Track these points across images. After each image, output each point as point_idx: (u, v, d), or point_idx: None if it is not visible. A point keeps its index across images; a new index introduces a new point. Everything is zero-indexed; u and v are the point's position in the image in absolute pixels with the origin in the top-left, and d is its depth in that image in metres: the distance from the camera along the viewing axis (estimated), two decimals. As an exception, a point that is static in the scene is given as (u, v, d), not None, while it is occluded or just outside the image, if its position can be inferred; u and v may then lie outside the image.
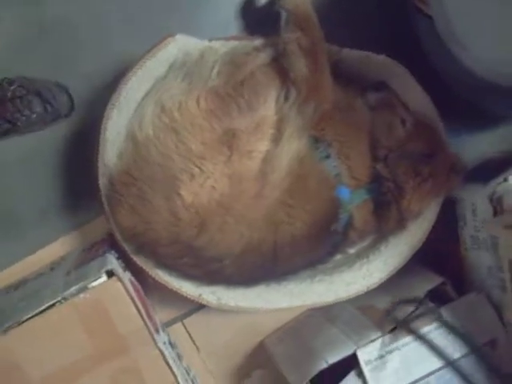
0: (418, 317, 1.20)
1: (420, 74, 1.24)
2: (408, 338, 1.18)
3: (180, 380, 1.15)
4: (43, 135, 1.32)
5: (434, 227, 1.27)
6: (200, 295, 1.19)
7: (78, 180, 1.32)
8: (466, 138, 1.41)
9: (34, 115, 1.25)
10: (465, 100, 1.26)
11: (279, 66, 1.13)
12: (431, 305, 1.22)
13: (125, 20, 1.34)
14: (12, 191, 1.35)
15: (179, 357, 1.28)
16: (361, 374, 1.17)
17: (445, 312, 1.21)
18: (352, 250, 1.28)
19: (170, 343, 1.27)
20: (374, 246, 1.28)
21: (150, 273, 1.17)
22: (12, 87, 1.24)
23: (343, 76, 1.22)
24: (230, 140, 1.08)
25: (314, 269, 1.23)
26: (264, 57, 1.14)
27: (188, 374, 1.27)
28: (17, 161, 1.34)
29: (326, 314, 1.33)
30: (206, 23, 1.36)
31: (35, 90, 1.25)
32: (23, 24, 1.30)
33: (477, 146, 1.42)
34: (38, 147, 1.33)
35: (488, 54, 1.08)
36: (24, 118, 1.24)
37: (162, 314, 1.35)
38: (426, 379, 1.17)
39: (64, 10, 1.31)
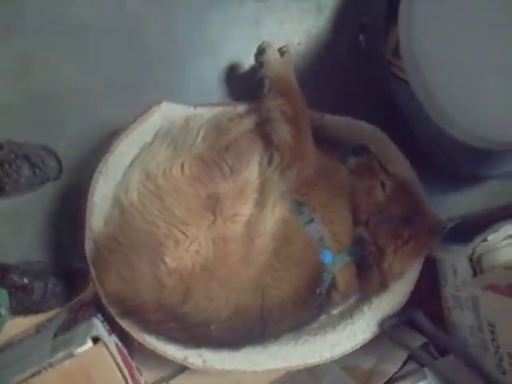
0: (402, 377, 1.21)
1: (398, 138, 1.29)
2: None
3: None
4: (31, 197, 1.34)
5: (416, 286, 1.29)
6: (186, 358, 1.19)
7: (66, 242, 1.33)
8: (445, 198, 1.45)
9: (23, 179, 1.26)
10: (442, 161, 1.30)
11: (262, 131, 1.17)
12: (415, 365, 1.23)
13: (111, 88, 1.37)
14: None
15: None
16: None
17: (428, 372, 1.21)
18: (335, 311, 1.29)
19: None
20: (357, 307, 1.29)
21: (135, 336, 1.17)
22: (1, 152, 1.26)
23: (325, 141, 1.26)
24: (214, 204, 1.10)
25: (298, 331, 1.23)
26: (248, 123, 1.18)
27: None
28: (4, 221, 1.35)
29: (311, 373, 1.32)
30: (190, 90, 1.40)
31: (24, 155, 1.27)
32: (11, 93, 1.34)
33: (456, 207, 1.46)
34: (26, 209, 1.34)
35: (465, 118, 1.11)
36: (12, 182, 1.26)
37: (147, 376, 1.34)
38: None
39: (50, 79, 1.35)
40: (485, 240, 1.23)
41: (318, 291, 1.15)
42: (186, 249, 1.08)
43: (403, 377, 1.21)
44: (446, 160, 1.31)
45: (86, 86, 1.36)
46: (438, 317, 1.36)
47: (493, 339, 1.15)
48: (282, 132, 1.14)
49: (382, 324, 1.26)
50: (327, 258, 1.16)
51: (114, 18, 1.36)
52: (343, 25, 1.45)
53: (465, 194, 1.48)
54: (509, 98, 1.10)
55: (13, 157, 1.25)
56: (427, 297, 1.36)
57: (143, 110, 1.17)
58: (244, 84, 1.39)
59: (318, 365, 1.26)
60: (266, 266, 1.11)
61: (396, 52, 1.25)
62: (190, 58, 1.40)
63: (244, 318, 1.11)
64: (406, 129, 1.30)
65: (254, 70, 1.32)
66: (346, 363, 1.29)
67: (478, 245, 1.22)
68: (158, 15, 1.38)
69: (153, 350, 1.18)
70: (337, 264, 1.17)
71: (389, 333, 1.27)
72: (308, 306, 1.16)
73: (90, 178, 1.17)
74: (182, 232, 1.08)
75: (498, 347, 1.14)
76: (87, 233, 1.15)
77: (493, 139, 1.11)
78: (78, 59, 1.36)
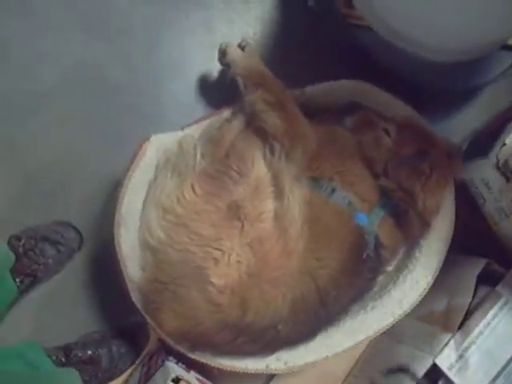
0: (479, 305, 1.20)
1: (380, 83, 1.28)
2: (479, 328, 1.17)
3: None
4: (65, 274, 1.35)
5: (456, 214, 1.27)
6: (267, 366, 1.18)
7: (114, 303, 1.33)
8: (449, 122, 1.44)
9: (50, 260, 1.27)
10: (429, 89, 1.30)
11: (254, 126, 1.17)
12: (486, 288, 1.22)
13: (98, 141, 1.39)
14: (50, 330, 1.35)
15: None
16: (448, 381, 1.15)
17: (501, 289, 1.20)
18: (390, 268, 1.28)
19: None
20: (409, 255, 1.27)
21: (212, 364, 1.16)
22: (21, 242, 1.27)
23: (316, 112, 1.25)
24: (236, 212, 1.10)
25: (362, 299, 1.22)
26: (237, 124, 1.19)
27: None
28: (48, 306, 1.35)
29: (391, 336, 1.31)
30: (172, 115, 1.40)
31: (42, 237, 1.28)
32: (7, 179, 1.36)
33: (464, 126, 1.44)
34: (64, 287, 1.35)
35: (424, 35, 1.14)
36: (42, 266, 1.27)
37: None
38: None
39: (39, 153, 1.37)
40: (504, 144, 1.22)
41: (364, 255, 1.14)
42: (227, 263, 1.08)
43: (480, 304, 1.20)
44: (430, 83, 1.31)
45: (74, 149, 1.38)
46: (489, 237, 1.34)
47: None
48: (272, 120, 1.14)
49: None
50: (362, 219, 1.15)
51: (75, 73, 1.39)
52: (289, -1, 1.45)
53: (466, 112, 1.47)
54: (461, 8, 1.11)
55: (33, 242, 1.26)
56: (471, 222, 1.35)
57: (135, 151, 1.18)
58: (220, 90, 1.39)
59: (394, 325, 1.24)
60: (307, 251, 1.10)
61: (349, 4, 1.25)
62: (160, 84, 1.42)
63: (305, 307, 1.10)
64: (382, 72, 1.29)
65: (223, 74, 1.33)
66: (420, 313, 1.27)
67: (500, 151, 1.21)
68: (116, 55, 1.41)
69: (234, 371, 1.18)
70: (374, 222, 1.16)
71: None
72: (360, 272, 1.15)
73: (111, 234, 1.17)
74: (217, 249, 1.08)
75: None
76: (129, 285, 1.15)
77: (458, 50, 1.14)
78: (57, 126, 1.38)
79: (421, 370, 1.15)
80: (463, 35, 1.13)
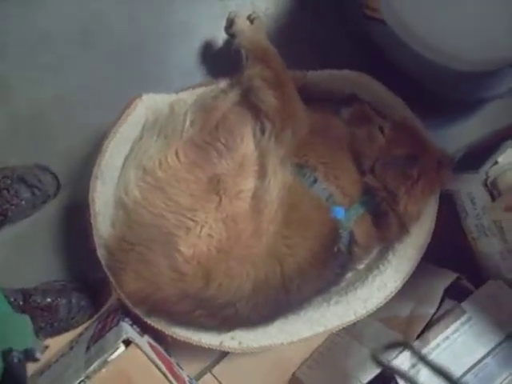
0: (441, 317, 1.19)
1: (384, 79, 1.26)
2: (437, 341, 1.17)
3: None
4: (35, 218, 1.33)
5: (436, 224, 1.26)
6: (221, 343, 1.18)
7: (80, 256, 1.31)
8: (446, 131, 1.42)
9: (23, 202, 1.25)
10: (434, 94, 1.27)
11: (249, 102, 1.14)
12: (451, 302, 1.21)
13: (92, 94, 1.36)
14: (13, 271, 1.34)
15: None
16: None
17: (467, 306, 1.19)
18: (361, 266, 1.27)
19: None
20: (382, 257, 1.27)
21: (167, 332, 1.16)
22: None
23: (314, 98, 1.23)
24: (216, 186, 1.08)
25: (328, 292, 1.21)
26: (232, 97, 1.16)
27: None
28: (14, 248, 1.34)
29: (351, 333, 1.31)
30: (171, 77, 1.38)
31: (19, 177, 1.26)
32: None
33: (460, 137, 1.43)
34: (33, 231, 1.33)
35: (445, 43, 1.11)
36: (13, 206, 1.24)
37: (189, 369, 1.33)
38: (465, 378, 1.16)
39: (32, 97, 1.34)
40: (496, 163, 1.21)
41: (335, 249, 1.12)
42: (198, 234, 1.07)
43: (442, 316, 1.20)
44: (436, 89, 1.29)
45: (67, 97, 1.35)
46: (464, 252, 1.34)
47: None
48: (268, 98, 1.12)
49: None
50: (339, 213, 1.13)
51: (78, 21, 1.35)
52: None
53: (465, 123, 1.44)
54: (483, 20, 1.10)
55: (9, 182, 1.24)
56: (450, 233, 1.34)
57: (125, 106, 1.15)
58: (222, 60, 1.37)
59: (355, 323, 1.24)
60: (278, 235, 1.09)
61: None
62: (164, 46, 1.39)
63: (266, 290, 1.09)
64: (390, 68, 1.26)
65: (228, 44, 1.31)
66: (383, 315, 1.27)
67: (490, 168, 1.20)
68: (124, 10, 1.37)
69: (187, 342, 1.17)
70: (351, 218, 1.14)
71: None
72: (329, 266, 1.14)
73: (88, 186, 1.15)
74: (190, 219, 1.07)
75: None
76: (97, 240, 1.14)
77: (473, 60, 1.11)
78: (54, 72, 1.35)
79: (370, 373, 1.14)
80: (484, 46, 1.11)
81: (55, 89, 1.34)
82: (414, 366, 1.15)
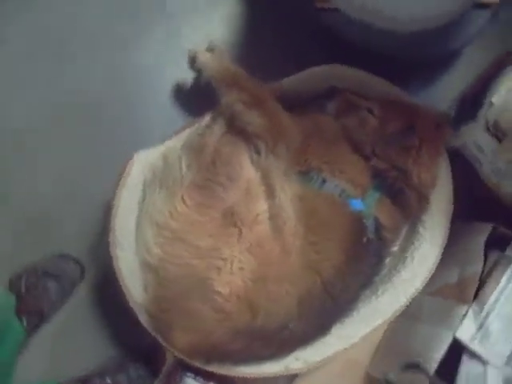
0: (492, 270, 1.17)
1: (359, 64, 1.26)
2: (495, 295, 1.14)
3: None
4: (70, 305, 1.33)
5: (455, 183, 1.25)
6: (286, 367, 1.16)
7: (121, 328, 1.32)
8: (432, 91, 1.41)
9: (54, 295, 1.26)
10: (407, 62, 1.28)
11: (236, 129, 1.15)
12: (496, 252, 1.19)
13: (85, 166, 1.38)
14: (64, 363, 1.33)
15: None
16: (473, 354, 1.12)
17: (511, 252, 1.17)
18: (395, 248, 1.26)
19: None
20: (412, 233, 1.26)
21: (231, 373, 1.15)
22: (22, 280, 1.26)
23: (296, 103, 1.23)
24: (231, 218, 1.08)
25: (372, 284, 1.20)
26: (218, 129, 1.17)
27: None
28: (60, 340, 1.34)
29: (407, 316, 1.28)
30: (153, 129, 1.38)
31: (43, 273, 1.27)
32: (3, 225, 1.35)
33: (446, 92, 1.42)
34: (71, 318, 1.33)
35: (391, 9, 1.13)
36: (46, 302, 1.25)
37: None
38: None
39: (29, 187, 1.37)
40: (491, 105, 1.19)
41: (364, 240, 1.12)
42: (230, 271, 1.07)
43: (491, 270, 1.17)
44: (406, 56, 1.30)
45: (63, 177, 1.38)
46: (492, 201, 1.32)
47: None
48: (252, 119, 1.13)
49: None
50: (357, 205, 1.13)
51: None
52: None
53: (448, 77, 1.44)
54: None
55: (35, 280, 1.25)
56: (471, 188, 1.32)
57: (120, 172, 1.16)
58: (197, 97, 1.36)
59: (409, 305, 1.23)
60: (305, 245, 1.09)
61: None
62: (138, 101, 1.41)
63: (312, 302, 1.08)
64: (358, 52, 1.27)
65: (197, 79, 1.32)
66: (433, 288, 1.25)
67: (487, 112, 1.19)
68: (88, 80, 1.41)
69: (254, 377, 1.16)
70: (370, 205, 1.14)
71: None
72: (364, 258, 1.13)
73: (110, 258, 1.16)
74: (217, 258, 1.07)
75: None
76: (136, 308, 1.14)
77: (425, 18, 1.13)
78: (43, 158, 1.39)
79: (440, 349, 1.12)
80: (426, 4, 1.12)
81: (49, 173, 1.38)
82: (479, 327, 1.14)
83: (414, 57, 1.28)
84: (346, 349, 1.18)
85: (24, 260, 1.32)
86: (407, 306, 1.24)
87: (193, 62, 1.23)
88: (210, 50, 1.25)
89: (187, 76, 1.38)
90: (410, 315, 1.27)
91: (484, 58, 1.36)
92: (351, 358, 1.34)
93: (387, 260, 1.24)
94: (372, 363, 1.35)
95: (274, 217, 1.09)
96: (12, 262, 1.31)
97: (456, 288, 1.22)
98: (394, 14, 1.11)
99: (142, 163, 1.18)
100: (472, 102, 1.27)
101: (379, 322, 1.21)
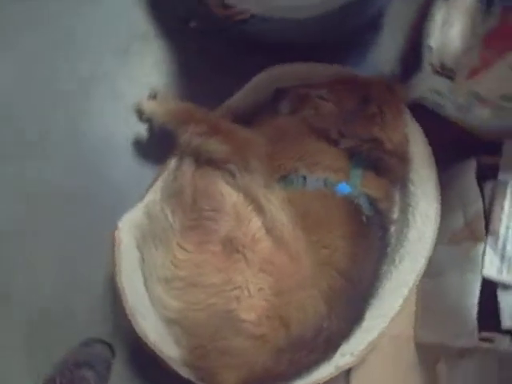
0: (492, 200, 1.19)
1: (293, 58, 1.29)
2: (504, 224, 1.16)
3: None
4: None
5: (427, 134, 1.27)
6: (336, 366, 1.16)
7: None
8: (368, 58, 1.45)
9: (92, 382, 1.25)
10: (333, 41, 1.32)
11: (204, 161, 1.16)
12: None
13: (79, 248, 1.37)
14: None
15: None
16: (505, 285, 1.13)
17: (503, 176, 1.19)
18: (395, 215, 1.27)
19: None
20: (405, 194, 1.27)
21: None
22: (57, 381, 1.24)
23: (251, 116, 1.26)
24: (232, 246, 1.08)
25: (386, 257, 1.21)
26: (187, 168, 1.18)
27: None
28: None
29: (431, 275, 1.28)
30: (127, 193, 1.36)
31: (74, 364, 1.25)
32: (13, 333, 1.34)
33: (384, 53, 1.45)
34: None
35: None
36: (88, 391, 1.24)
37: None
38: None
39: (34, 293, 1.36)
40: (431, 49, 1.20)
41: (363, 219, 1.12)
42: (250, 295, 1.06)
43: (492, 199, 1.19)
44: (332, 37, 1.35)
45: (62, 270, 1.36)
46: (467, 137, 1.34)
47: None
48: (214, 146, 1.14)
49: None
50: (344, 188, 1.14)
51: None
52: (172, 30, 1.47)
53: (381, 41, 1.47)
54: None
55: (69, 375, 1.23)
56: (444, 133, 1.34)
57: (111, 244, 1.16)
58: (157, 144, 1.38)
59: (428, 264, 1.23)
60: (311, 245, 1.09)
61: (223, 5, 1.25)
62: (103, 173, 1.41)
63: (337, 295, 1.08)
64: (285, 50, 1.29)
65: (151, 129, 1.34)
66: (445, 239, 1.26)
67: (430, 57, 1.20)
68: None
69: None
70: (356, 184, 1.15)
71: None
72: (370, 235, 1.14)
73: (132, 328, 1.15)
74: (233, 289, 1.06)
75: None
76: (174, 365, 1.13)
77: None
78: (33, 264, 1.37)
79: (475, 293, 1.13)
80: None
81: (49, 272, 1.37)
82: (502, 259, 1.14)
83: (342, 35, 1.30)
84: (384, 328, 1.18)
85: (50, 360, 1.29)
86: (428, 265, 1.24)
87: (141, 114, 1.24)
88: (153, 97, 1.27)
89: (140, 129, 1.38)
90: (433, 274, 1.28)
91: (407, 11, 1.39)
92: (394, 334, 1.34)
93: (392, 229, 1.25)
94: (417, 332, 1.35)
95: (270, 230, 1.10)
96: (40, 367, 1.29)
97: (466, 230, 1.23)
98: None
99: (129, 227, 1.18)
100: (412, 54, 1.29)
101: (406, 290, 1.21)
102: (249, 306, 1.06)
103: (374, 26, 1.45)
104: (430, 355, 1.32)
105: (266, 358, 1.06)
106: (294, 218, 1.10)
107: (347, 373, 1.30)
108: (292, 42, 1.27)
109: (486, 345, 1.13)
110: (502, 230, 1.15)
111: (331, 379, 1.16)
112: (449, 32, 1.18)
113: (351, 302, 1.10)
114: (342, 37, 1.34)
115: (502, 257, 1.14)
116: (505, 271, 1.14)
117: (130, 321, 1.14)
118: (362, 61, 1.44)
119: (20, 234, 1.38)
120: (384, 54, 1.44)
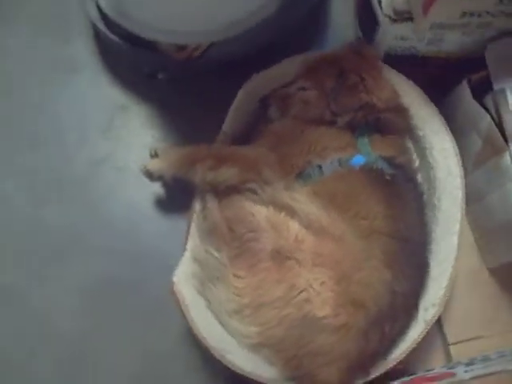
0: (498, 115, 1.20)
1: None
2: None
3: None
4: None
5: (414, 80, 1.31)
6: (425, 321, 1.17)
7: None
8: (328, 36, 1.51)
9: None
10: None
11: (224, 191, 1.21)
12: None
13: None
14: None
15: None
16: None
17: (497, 83, 1.20)
18: (416, 164, 1.31)
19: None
20: (418, 142, 1.31)
21: (392, 365, 1.15)
22: None
23: (250, 131, 1.32)
24: (280, 256, 1.10)
25: (425, 204, 1.24)
26: (212, 203, 1.22)
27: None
28: None
29: (474, 201, 1.29)
30: (168, 252, 1.36)
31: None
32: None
33: (341, 24, 1.50)
34: None
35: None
36: None
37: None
38: None
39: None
40: (379, 1, 1.25)
41: (388, 178, 1.16)
42: (317, 294, 1.08)
43: (498, 110, 1.19)
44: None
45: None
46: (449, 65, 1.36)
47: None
48: (226, 174, 1.18)
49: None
50: (359, 160, 1.17)
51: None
52: (145, 89, 1.54)
53: (331, 15, 1.51)
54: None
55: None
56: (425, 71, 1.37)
57: (174, 300, 1.19)
58: (177, 196, 1.43)
59: (468, 195, 1.26)
60: (350, 222, 1.12)
61: (177, 47, 1.36)
62: (139, 249, 1.45)
63: (394, 257, 1.10)
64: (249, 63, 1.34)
65: (165, 185, 1.40)
66: (471, 166, 1.29)
67: (382, 8, 1.25)
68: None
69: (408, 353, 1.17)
70: (368, 151, 1.18)
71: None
72: (399, 190, 1.17)
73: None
74: (299, 293, 1.08)
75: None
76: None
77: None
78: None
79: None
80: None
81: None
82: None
83: (297, 25, 1.35)
84: (452, 268, 1.19)
85: None
86: (467, 195, 1.26)
87: (150, 175, 1.29)
88: (155, 154, 1.32)
89: (155, 188, 1.44)
90: (476, 200, 1.30)
91: None
92: (466, 271, 1.32)
93: (419, 176, 1.29)
94: (486, 259, 1.33)
95: (308, 226, 1.12)
96: None
97: (487, 148, 1.24)
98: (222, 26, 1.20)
99: (184, 279, 1.21)
100: (366, 12, 1.33)
101: (457, 225, 1.23)
102: (320, 303, 1.08)
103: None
104: (508, 276, 1.31)
105: (355, 343, 1.08)
106: (324, 206, 1.13)
107: (438, 323, 1.31)
108: (258, 50, 1.33)
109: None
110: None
111: (427, 334, 1.17)
112: (391, -22, 1.23)
113: (411, 257, 1.13)
114: (299, 27, 1.39)
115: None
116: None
117: (221, 362, 1.17)
118: (324, 40, 1.48)
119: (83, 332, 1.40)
120: (340, 22, 1.49)
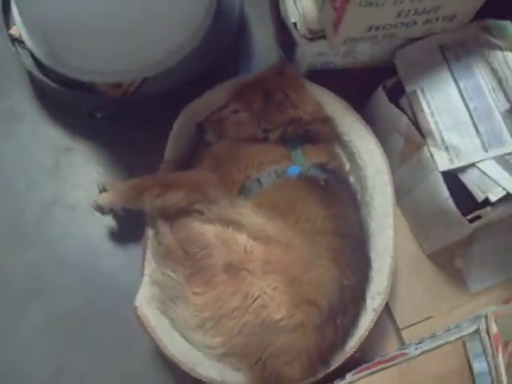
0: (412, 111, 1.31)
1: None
2: (431, 121, 1.29)
3: None
4: None
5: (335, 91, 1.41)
6: (374, 309, 1.26)
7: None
8: (252, 62, 1.61)
9: None
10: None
11: (173, 214, 1.26)
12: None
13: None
14: None
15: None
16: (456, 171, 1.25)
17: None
18: (347, 166, 1.41)
19: None
20: (344, 145, 1.41)
21: (349, 354, 1.22)
22: None
23: (189, 156, 1.40)
24: (232, 268, 1.16)
25: (360, 202, 1.35)
26: (164, 228, 1.27)
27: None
28: None
29: (404, 195, 1.41)
30: (126, 277, 1.44)
31: None
32: None
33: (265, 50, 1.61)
34: None
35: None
36: None
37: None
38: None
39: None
40: (294, 24, 1.36)
41: (322, 183, 1.25)
42: (270, 298, 1.14)
43: (411, 106, 1.31)
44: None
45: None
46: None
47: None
48: (173, 199, 1.24)
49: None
50: (294, 170, 1.27)
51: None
52: (86, 129, 1.59)
53: (252, 40, 1.63)
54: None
55: None
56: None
57: (140, 324, 1.23)
58: (129, 227, 1.48)
59: (398, 190, 1.36)
60: (295, 228, 1.20)
61: (111, 85, 1.43)
62: (98, 272, 1.49)
63: (341, 253, 1.19)
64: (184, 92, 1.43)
65: (116, 217, 1.45)
66: (397, 162, 1.40)
67: (298, 28, 1.36)
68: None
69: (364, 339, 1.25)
70: (301, 161, 1.28)
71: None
72: (334, 192, 1.27)
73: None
74: (254, 300, 1.14)
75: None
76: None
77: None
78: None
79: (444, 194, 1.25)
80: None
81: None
82: (446, 149, 1.26)
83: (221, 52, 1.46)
84: (392, 259, 1.29)
85: None
86: (397, 191, 1.35)
87: (101, 209, 1.34)
88: (103, 189, 1.38)
89: (107, 221, 1.49)
90: (405, 194, 1.40)
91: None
92: (406, 258, 1.42)
93: (351, 178, 1.39)
94: (423, 246, 1.42)
95: (256, 236, 1.19)
96: None
97: (408, 145, 1.35)
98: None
99: (146, 302, 1.25)
100: (284, 34, 1.44)
101: (390, 219, 1.32)
102: (276, 306, 1.14)
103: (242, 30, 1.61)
104: (444, 258, 1.42)
105: (313, 339, 1.15)
106: (269, 216, 1.20)
107: (388, 311, 1.39)
108: (190, 80, 1.43)
109: (478, 223, 1.23)
110: (433, 127, 1.27)
111: (378, 321, 1.26)
112: (301, 2, 1.34)
113: (354, 252, 1.22)
114: (224, 55, 1.50)
115: (446, 148, 1.25)
116: (455, 159, 1.24)
117: (191, 379, 1.22)
118: (250, 64, 1.60)
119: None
120: (264, 46, 1.61)
